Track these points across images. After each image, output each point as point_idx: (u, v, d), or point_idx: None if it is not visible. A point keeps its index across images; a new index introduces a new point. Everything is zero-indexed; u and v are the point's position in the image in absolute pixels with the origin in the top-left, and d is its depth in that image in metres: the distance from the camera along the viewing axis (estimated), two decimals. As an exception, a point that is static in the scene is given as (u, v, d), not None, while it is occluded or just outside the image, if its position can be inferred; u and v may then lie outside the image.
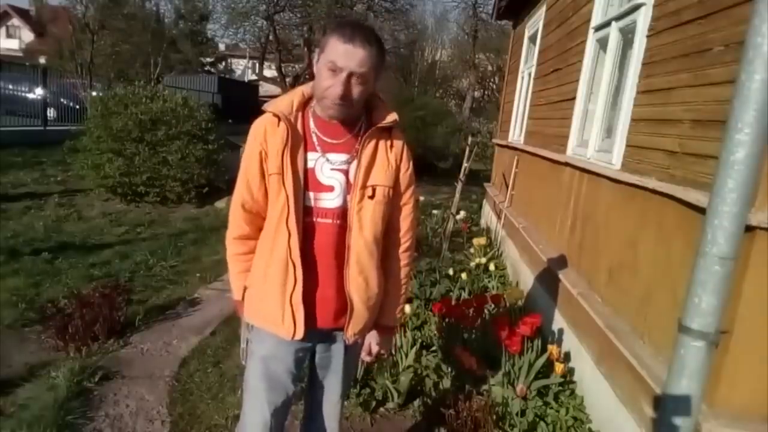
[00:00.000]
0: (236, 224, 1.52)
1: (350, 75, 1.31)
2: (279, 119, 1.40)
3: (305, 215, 1.42)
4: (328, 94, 1.35)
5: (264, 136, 1.42)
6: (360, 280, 1.47)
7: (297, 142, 1.41)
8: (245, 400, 1.57)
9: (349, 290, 1.46)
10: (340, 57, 1.30)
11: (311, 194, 1.42)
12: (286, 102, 1.44)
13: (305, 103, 1.47)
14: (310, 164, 1.43)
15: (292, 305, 1.42)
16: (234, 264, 1.57)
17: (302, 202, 1.41)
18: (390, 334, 1.72)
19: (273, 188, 1.42)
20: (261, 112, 1.46)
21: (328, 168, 1.43)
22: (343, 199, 1.44)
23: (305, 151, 1.42)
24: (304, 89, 1.49)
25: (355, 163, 1.43)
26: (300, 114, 1.44)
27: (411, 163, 1.55)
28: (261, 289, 1.47)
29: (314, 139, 1.44)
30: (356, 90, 1.34)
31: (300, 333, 1.44)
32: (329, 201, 1.43)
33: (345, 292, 1.46)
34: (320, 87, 1.37)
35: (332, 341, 1.58)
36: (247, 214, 1.50)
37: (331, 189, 1.43)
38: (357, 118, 1.47)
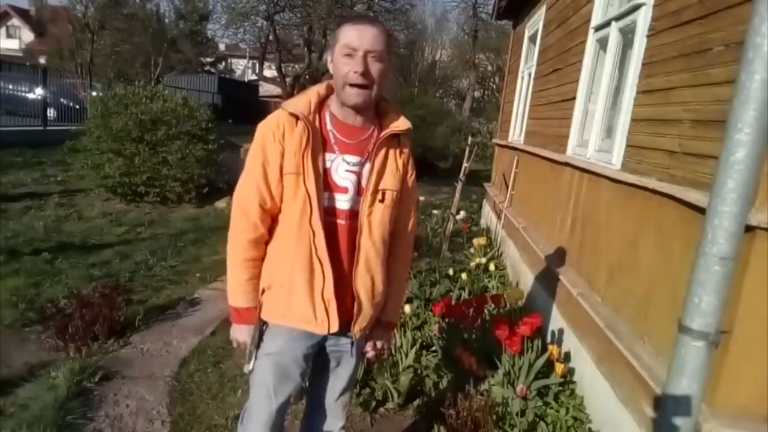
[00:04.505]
0: (250, 226, 1.45)
1: (366, 54, 1.35)
2: (297, 119, 1.40)
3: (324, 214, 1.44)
4: (348, 77, 1.36)
5: (282, 135, 1.41)
6: (367, 278, 1.50)
7: (318, 142, 1.42)
8: (252, 394, 1.60)
9: (357, 288, 1.50)
10: (354, 39, 1.35)
11: (326, 194, 1.44)
12: (303, 102, 1.44)
13: (321, 103, 1.48)
14: (327, 164, 1.44)
15: (324, 301, 1.45)
16: (242, 269, 1.49)
17: (323, 202, 1.43)
18: (390, 330, 1.78)
19: (289, 188, 1.42)
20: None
21: (343, 169, 1.45)
22: (354, 201, 1.46)
23: (324, 151, 1.44)
24: (319, 89, 1.49)
25: (367, 166, 1.46)
26: (317, 114, 1.45)
27: (414, 170, 1.62)
28: (287, 289, 1.46)
29: (332, 139, 1.45)
30: (374, 68, 1.36)
31: (335, 326, 1.48)
32: (343, 202, 1.46)
33: (353, 290, 1.50)
34: (340, 75, 1.38)
35: (341, 340, 1.60)
36: (264, 214, 1.46)
37: (345, 190, 1.45)
38: (371, 119, 1.49)
